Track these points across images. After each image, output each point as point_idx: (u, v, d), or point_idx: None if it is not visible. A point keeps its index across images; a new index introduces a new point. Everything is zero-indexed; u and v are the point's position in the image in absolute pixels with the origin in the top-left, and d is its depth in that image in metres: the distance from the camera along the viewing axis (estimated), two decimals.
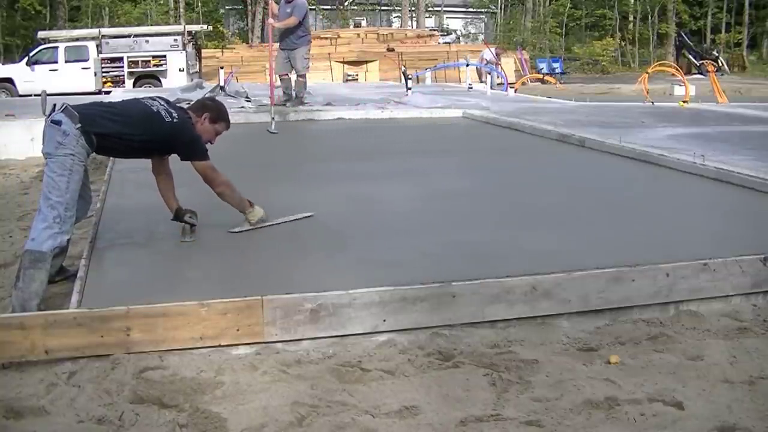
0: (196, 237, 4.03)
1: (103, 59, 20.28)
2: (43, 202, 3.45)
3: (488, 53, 18.58)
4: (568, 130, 8.10)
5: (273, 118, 9.06)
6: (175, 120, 3.78)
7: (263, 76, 21.16)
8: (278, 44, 10.80)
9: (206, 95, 11.98)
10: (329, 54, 24.23)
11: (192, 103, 4.07)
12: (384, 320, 3.04)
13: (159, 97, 4.00)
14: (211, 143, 4.04)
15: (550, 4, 40.36)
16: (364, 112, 10.59)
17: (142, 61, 20.50)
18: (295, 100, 10.67)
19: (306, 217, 4.47)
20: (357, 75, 23.71)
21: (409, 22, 36.87)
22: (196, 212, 4.05)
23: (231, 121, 4.20)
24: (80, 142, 3.51)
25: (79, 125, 3.50)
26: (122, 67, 20.30)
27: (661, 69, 18.04)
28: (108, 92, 16.76)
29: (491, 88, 15.55)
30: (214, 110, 4.00)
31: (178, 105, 3.92)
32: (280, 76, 10.83)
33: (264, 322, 2.93)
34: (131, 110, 3.82)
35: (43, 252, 3.38)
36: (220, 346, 2.91)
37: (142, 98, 3.97)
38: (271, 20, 10.27)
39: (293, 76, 10.72)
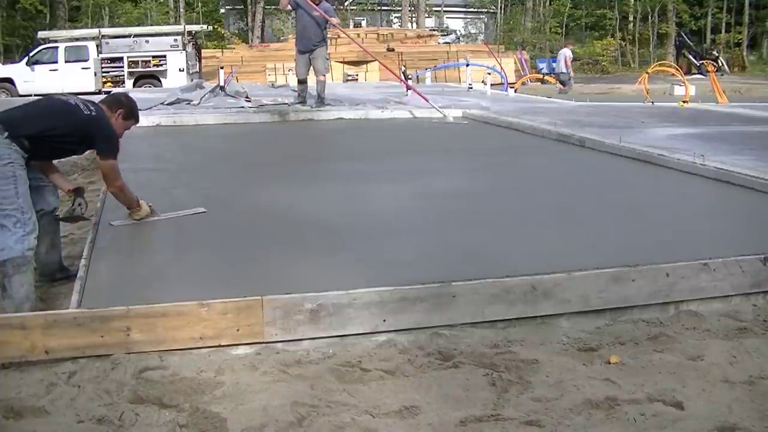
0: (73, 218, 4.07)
1: (103, 59, 20.31)
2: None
3: (568, 51, 18.88)
4: (568, 130, 8.10)
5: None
6: (92, 113, 3.85)
7: (263, 76, 21.19)
8: (296, 48, 10.81)
9: (205, 95, 12.04)
10: (329, 54, 24.21)
11: (105, 97, 4.20)
12: (384, 320, 3.04)
13: (74, 95, 4.14)
14: (120, 137, 4.12)
15: (550, 4, 40.36)
16: (364, 112, 10.58)
17: (142, 61, 20.52)
18: (318, 101, 10.70)
19: (198, 213, 4.61)
20: (357, 75, 23.70)
21: (409, 23, 36.87)
22: (86, 203, 4.08)
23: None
24: (13, 148, 3.50)
25: (5, 134, 3.49)
26: (122, 67, 20.32)
27: (661, 69, 18.06)
28: (108, 92, 16.76)
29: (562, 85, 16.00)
30: (127, 107, 4.09)
31: (90, 100, 4.01)
32: (299, 80, 10.88)
33: (264, 322, 2.93)
34: (50, 106, 3.89)
35: (22, 256, 3.38)
36: (220, 346, 2.91)
37: (58, 96, 4.08)
38: (334, 20, 10.43)
39: (311, 79, 10.75)
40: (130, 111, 4.10)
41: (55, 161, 4.05)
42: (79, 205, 3.97)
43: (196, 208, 4.69)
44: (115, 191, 4.15)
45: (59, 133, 3.72)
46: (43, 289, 3.87)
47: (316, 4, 10.17)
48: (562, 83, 18.65)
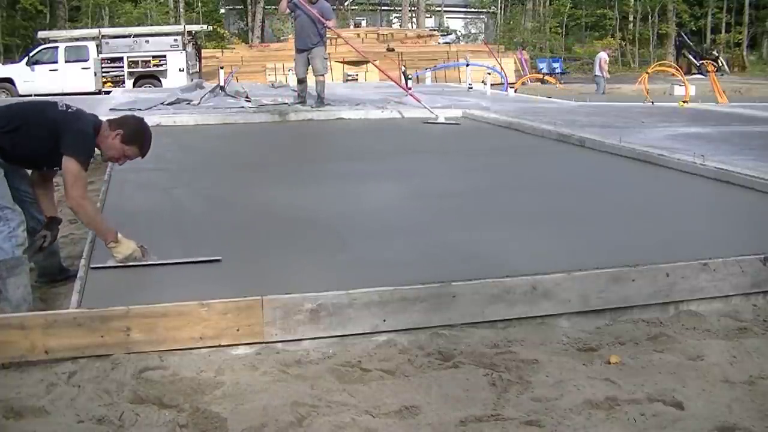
0: (33, 259, 3.71)
1: (103, 59, 20.30)
2: None
3: (604, 55, 18.98)
4: (568, 130, 8.10)
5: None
6: (69, 110, 3.54)
7: (263, 76, 21.18)
8: (295, 47, 10.80)
9: (205, 95, 12.03)
10: (329, 54, 24.21)
11: (118, 117, 3.85)
12: (384, 320, 3.04)
13: (64, 103, 3.73)
14: (117, 162, 3.78)
15: (550, 4, 40.36)
16: (364, 112, 10.58)
17: (142, 61, 20.53)
18: (318, 101, 10.69)
19: (213, 261, 3.63)
20: (357, 75, 23.70)
21: (409, 23, 36.87)
22: (51, 237, 3.69)
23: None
24: None
25: None
26: (122, 67, 20.32)
27: (661, 69, 18.06)
28: (108, 92, 16.77)
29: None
30: (131, 131, 3.61)
31: (94, 115, 3.71)
32: (299, 79, 10.87)
33: (264, 322, 2.93)
34: (25, 105, 3.67)
35: (13, 256, 3.34)
36: (220, 346, 2.91)
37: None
38: (330, 22, 10.34)
39: (311, 79, 10.74)
40: (132, 136, 3.60)
41: (54, 180, 3.87)
42: (44, 237, 3.64)
43: (210, 256, 3.67)
44: (72, 205, 3.44)
45: (34, 133, 3.45)
46: (43, 289, 3.87)
47: (313, 4, 10.16)
48: (597, 84, 18.73)
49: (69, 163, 3.40)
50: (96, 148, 3.61)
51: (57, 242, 3.98)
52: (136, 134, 3.63)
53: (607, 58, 19.59)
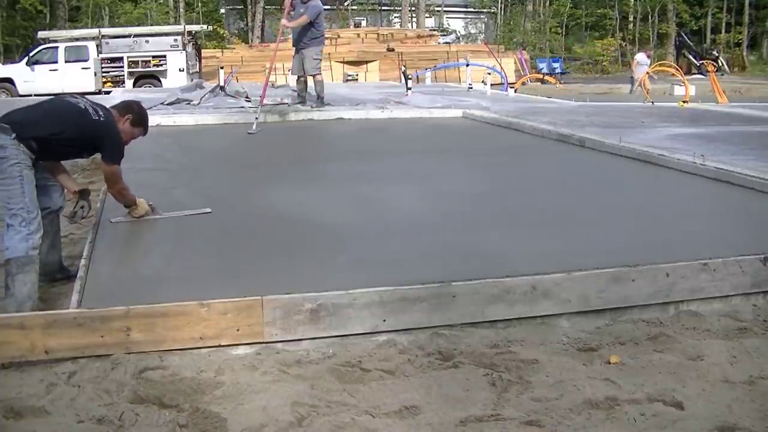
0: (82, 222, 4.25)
1: (103, 59, 20.30)
2: (6, 213, 3.48)
3: (642, 56, 18.81)
4: (568, 130, 8.10)
5: (257, 118, 9.04)
6: (101, 118, 3.84)
7: (263, 76, 21.17)
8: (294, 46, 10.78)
9: (205, 95, 12.03)
10: (329, 54, 24.23)
11: (117, 102, 4.23)
12: (384, 320, 3.04)
13: (82, 96, 4.08)
14: (126, 145, 4.11)
15: (550, 5, 40.37)
16: (364, 112, 10.58)
17: (142, 61, 20.52)
18: (318, 101, 10.65)
19: (203, 213, 4.59)
20: (357, 75, 23.71)
21: (409, 23, 36.87)
22: (88, 206, 4.11)
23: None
24: (21, 149, 3.54)
25: (13, 135, 3.52)
26: (122, 67, 20.31)
27: (661, 69, 18.05)
28: (108, 92, 16.76)
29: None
30: (137, 114, 4.09)
31: (100, 104, 3.99)
32: (297, 77, 10.86)
33: (264, 322, 2.93)
34: (60, 109, 3.88)
35: (26, 255, 3.41)
36: (220, 346, 2.91)
37: (66, 97, 4.05)
38: (284, 21, 10.26)
39: (309, 79, 10.72)
40: (139, 119, 4.09)
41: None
42: (82, 207, 4.00)
43: (201, 208, 4.65)
44: (115, 194, 4.22)
45: (67, 137, 3.73)
46: (43, 289, 3.86)
47: (304, 3, 10.10)
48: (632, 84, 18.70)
49: (111, 168, 3.98)
50: None
51: (59, 238, 4.04)
52: (141, 117, 4.12)
53: (642, 60, 19.07)
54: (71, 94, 4.13)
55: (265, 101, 10.68)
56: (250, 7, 35.51)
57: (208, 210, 4.57)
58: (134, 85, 19.99)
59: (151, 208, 4.41)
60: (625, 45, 38.90)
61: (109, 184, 4.14)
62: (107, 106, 4.06)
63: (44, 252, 3.86)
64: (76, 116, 3.79)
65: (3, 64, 23.89)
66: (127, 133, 4.05)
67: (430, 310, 3.09)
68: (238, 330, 2.91)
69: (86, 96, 4.14)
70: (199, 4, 36.98)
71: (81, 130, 3.78)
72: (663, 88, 18.08)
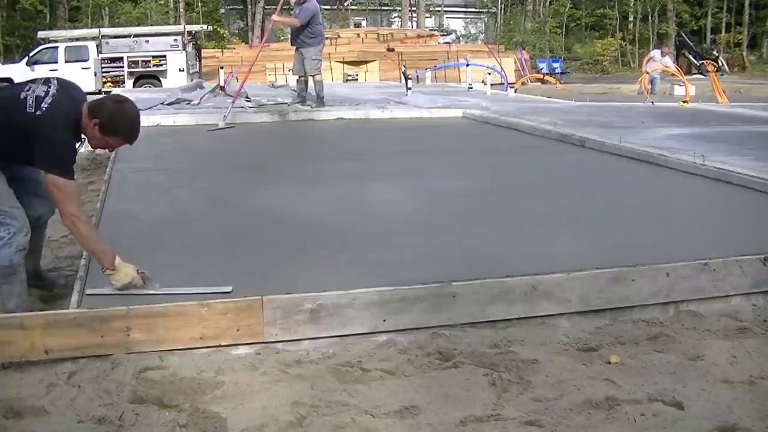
0: None
1: (103, 59, 20.30)
2: None
3: (656, 53, 18.55)
4: (568, 130, 8.10)
5: (225, 116, 9.04)
6: (39, 112, 2.99)
7: (263, 76, 21.18)
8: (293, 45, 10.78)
9: (205, 95, 12.02)
10: (329, 54, 24.24)
11: (96, 98, 3.30)
12: (384, 320, 3.04)
13: (53, 83, 3.19)
14: (108, 149, 3.41)
15: (550, 5, 40.39)
16: (364, 112, 10.58)
17: (142, 61, 20.53)
18: (318, 101, 10.65)
19: (223, 292, 3.12)
20: (357, 75, 23.71)
21: (409, 23, 36.88)
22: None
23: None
24: None
25: None
26: (122, 67, 20.32)
27: (664, 70, 18.01)
28: (108, 92, 16.77)
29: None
30: (108, 119, 3.09)
31: (70, 95, 3.16)
32: (297, 77, 10.87)
33: (264, 322, 2.93)
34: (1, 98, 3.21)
35: (9, 264, 3.17)
36: (220, 346, 2.91)
37: (30, 82, 3.21)
38: (275, 16, 10.25)
39: (309, 79, 10.73)
40: (110, 125, 3.10)
41: None
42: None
43: (221, 286, 3.20)
44: (67, 224, 3.09)
45: None
46: (43, 288, 3.86)
47: (301, 4, 10.11)
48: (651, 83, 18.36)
49: (49, 179, 3.00)
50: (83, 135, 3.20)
51: (40, 245, 3.74)
52: (113, 123, 3.11)
53: (657, 56, 18.21)
54: (36, 79, 3.25)
55: (264, 101, 10.68)
56: (250, 7, 35.52)
57: (229, 289, 3.16)
58: (134, 85, 20.00)
59: (142, 277, 3.13)
60: (625, 45, 38.93)
61: (56, 203, 3.06)
62: (84, 100, 3.24)
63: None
64: (8, 107, 3.06)
65: (3, 64, 23.87)
66: (96, 138, 3.14)
67: (430, 310, 3.09)
68: (238, 330, 2.91)
69: (59, 82, 3.25)
70: (199, 4, 37.00)
71: (10, 125, 3.02)
72: (663, 88, 18.06)
